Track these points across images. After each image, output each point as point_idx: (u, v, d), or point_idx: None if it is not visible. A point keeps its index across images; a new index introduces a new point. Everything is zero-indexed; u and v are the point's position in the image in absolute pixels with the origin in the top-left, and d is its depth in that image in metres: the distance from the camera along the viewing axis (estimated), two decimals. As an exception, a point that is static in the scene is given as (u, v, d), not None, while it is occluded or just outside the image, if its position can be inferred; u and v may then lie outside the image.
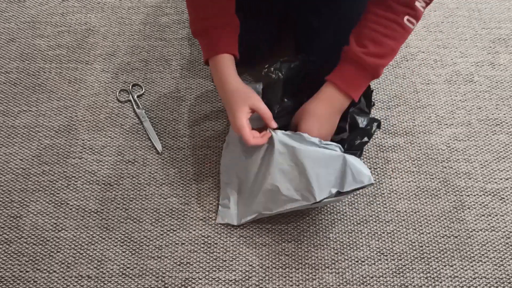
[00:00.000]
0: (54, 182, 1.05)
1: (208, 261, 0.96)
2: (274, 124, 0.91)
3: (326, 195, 0.86)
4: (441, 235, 0.99)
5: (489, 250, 0.97)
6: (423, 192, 1.03)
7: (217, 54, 0.92)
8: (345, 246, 0.97)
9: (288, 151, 0.90)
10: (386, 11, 0.87)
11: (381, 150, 1.09)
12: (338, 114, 0.94)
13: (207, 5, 0.91)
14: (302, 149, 0.89)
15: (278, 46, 1.21)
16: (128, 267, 0.95)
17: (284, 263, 0.96)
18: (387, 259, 0.96)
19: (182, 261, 0.96)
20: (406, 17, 0.87)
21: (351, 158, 0.88)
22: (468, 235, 0.99)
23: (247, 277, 0.94)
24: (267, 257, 0.96)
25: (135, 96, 1.15)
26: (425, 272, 0.95)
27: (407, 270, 0.95)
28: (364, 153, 1.08)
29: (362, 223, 1.00)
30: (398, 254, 0.97)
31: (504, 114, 1.13)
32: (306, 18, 1.08)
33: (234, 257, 0.96)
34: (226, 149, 1.04)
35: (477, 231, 0.99)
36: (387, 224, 1.00)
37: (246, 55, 1.04)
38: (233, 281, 0.94)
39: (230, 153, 1.02)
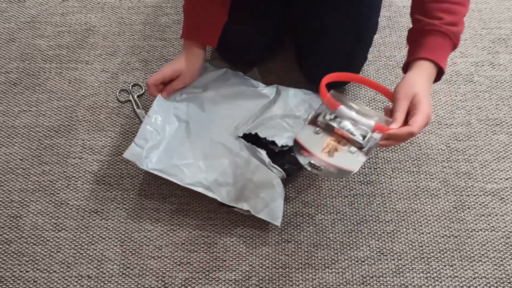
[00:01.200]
0: (54, 182, 1.05)
1: (208, 261, 0.96)
2: (164, 94, 1.03)
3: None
4: (441, 235, 0.99)
5: (489, 250, 0.97)
6: (423, 192, 1.03)
7: (194, 45, 1.01)
8: (345, 246, 0.97)
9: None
10: None
11: (381, 150, 1.09)
12: (430, 86, 0.88)
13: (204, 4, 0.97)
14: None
15: (278, 46, 1.21)
16: (128, 267, 0.95)
17: (284, 263, 0.96)
18: (387, 259, 0.96)
19: (182, 261, 0.96)
20: None
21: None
22: (468, 235, 0.99)
23: (247, 277, 0.94)
24: (267, 257, 0.96)
25: (135, 96, 1.15)
26: (425, 272, 0.95)
27: (407, 270, 0.95)
28: (364, 153, 1.08)
29: (362, 223, 1.00)
30: (398, 254, 0.97)
31: (504, 114, 1.13)
32: (306, 19, 1.08)
33: (234, 257, 0.96)
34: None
35: (477, 231, 0.99)
36: (387, 224, 1.00)
37: (244, 53, 1.04)
38: (233, 281, 0.94)
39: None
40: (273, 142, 0.98)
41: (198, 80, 1.07)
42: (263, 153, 0.97)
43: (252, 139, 1.00)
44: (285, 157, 0.99)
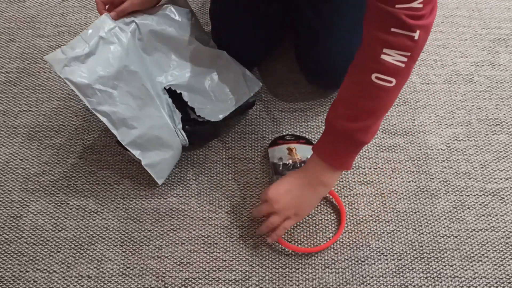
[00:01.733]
0: (54, 182, 1.05)
1: (208, 261, 0.96)
2: (112, 14, 0.93)
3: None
4: (441, 235, 0.99)
5: (489, 250, 0.97)
6: (423, 192, 1.03)
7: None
8: (345, 246, 0.97)
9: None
10: (355, 67, 0.79)
11: (381, 150, 1.09)
12: (314, 191, 0.89)
13: None
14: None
15: (278, 44, 1.21)
16: (128, 267, 0.95)
17: (284, 263, 0.96)
18: (387, 259, 0.96)
19: (182, 261, 0.96)
20: (374, 75, 0.74)
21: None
22: (468, 235, 0.99)
23: (247, 277, 0.94)
24: (267, 257, 0.96)
25: (135, 96, 1.15)
26: (425, 272, 0.95)
27: (407, 270, 0.95)
28: (364, 153, 1.08)
29: (362, 223, 1.00)
30: (398, 254, 0.97)
31: (504, 114, 1.13)
32: (306, 19, 1.08)
33: (234, 257, 0.96)
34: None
35: (477, 231, 0.99)
36: (387, 224, 1.00)
37: (244, 53, 1.04)
38: (233, 281, 0.94)
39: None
40: (193, 108, 1.01)
41: (156, 14, 1.00)
42: (178, 115, 0.99)
43: (176, 94, 1.01)
44: (196, 127, 1.02)
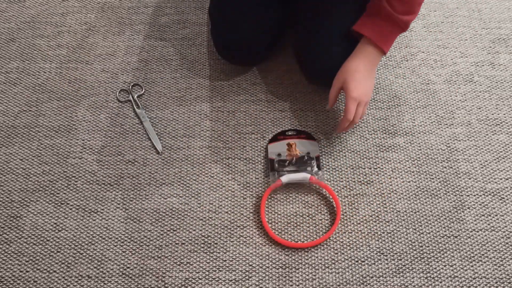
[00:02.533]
0: (54, 182, 1.05)
1: (208, 261, 0.96)
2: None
3: None
4: (441, 235, 0.99)
5: (489, 250, 0.97)
6: (423, 192, 1.03)
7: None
8: (345, 246, 0.97)
9: None
10: None
11: (381, 150, 1.09)
12: (375, 69, 1.01)
13: None
14: None
15: (277, 46, 1.21)
16: (128, 267, 0.95)
17: (284, 263, 0.96)
18: (387, 259, 0.96)
19: (182, 261, 0.96)
20: None
21: None
22: (468, 235, 0.99)
23: (247, 277, 0.94)
24: (267, 257, 0.96)
25: (135, 96, 1.15)
26: (425, 272, 0.95)
27: (407, 270, 0.95)
28: (364, 153, 1.08)
29: (362, 223, 1.00)
30: (398, 254, 0.97)
31: (504, 114, 1.13)
32: (305, 19, 1.08)
33: (234, 257, 0.96)
34: None
35: (477, 231, 0.99)
36: (387, 224, 1.00)
37: (244, 53, 1.04)
38: (233, 281, 0.94)
39: None
40: None
41: None
42: None
43: None
44: None
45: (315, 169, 1.04)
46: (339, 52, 1.04)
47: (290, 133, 1.09)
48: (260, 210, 1.00)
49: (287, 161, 1.04)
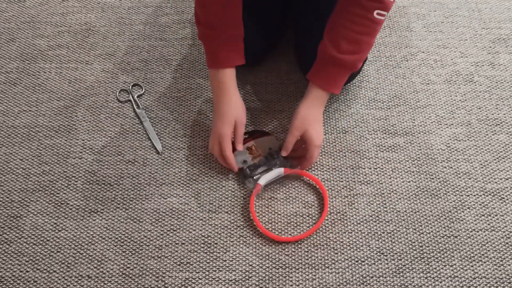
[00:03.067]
0: (54, 182, 1.05)
1: (208, 261, 0.96)
2: (239, 147, 1.01)
3: None
4: (441, 235, 0.99)
5: (489, 250, 0.97)
6: (423, 192, 1.03)
7: (220, 68, 0.98)
8: (345, 246, 0.97)
9: None
10: (357, 8, 0.91)
11: (381, 150, 1.09)
12: (321, 111, 1.03)
13: (217, 14, 0.94)
14: None
15: (277, 46, 1.21)
16: (128, 267, 0.95)
17: (284, 263, 0.96)
18: (387, 259, 0.96)
19: (182, 261, 0.96)
20: (376, 12, 0.90)
21: None
22: (468, 235, 0.99)
23: (247, 277, 0.94)
24: (267, 257, 0.96)
25: (135, 96, 1.15)
26: (425, 272, 0.95)
27: (407, 270, 0.95)
28: (364, 153, 1.08)
29: (362, 223, 1.00)
30: (398, 254, 0.97)
31: (504, 114, 1.13)
32: (305, 20, 1.08)
33: (234, 257, 0.96)
34: None
35: (477, 231, 0.99)
36: (387, 224, 1.00)
37: (249, 50, 1.03)
38: (233, 281, 0.94)
39: None
40: None
41: None
42: None
43: None
44: None
45: (283, 160, 1.03)
46: None
47: (245, 136, 1.06)
48: (252, 217, 0.99)
49: (256, 164, 1.03)
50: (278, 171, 1.02)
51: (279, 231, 0.99)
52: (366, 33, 0.93)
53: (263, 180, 1.01)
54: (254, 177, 1.02)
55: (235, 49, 0.98)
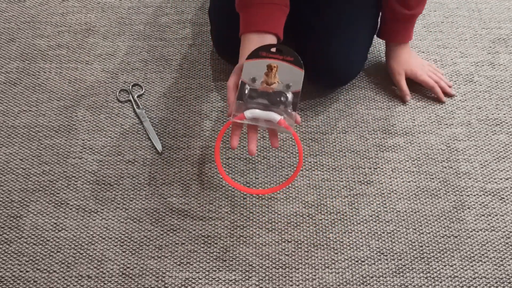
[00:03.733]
0: (54, 182, 1.05)
1: (208, 261, 0.96)
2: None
3: None
4: (441, 235, 0.99)
5: (489, 250, 0.97)
6: (423, 192, 1.03)
7: (259, 31, 0.87)
8: (345, 246, 0.97)
9: None
10: None
11: (381, 150, 1.09)
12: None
13: None
14: None
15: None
16: (128, 267, 0.95)
17: (284, 263, 0.96)
18: (387, 259, 0.96)
19: (182, 261, 0.96)
20: None
21: None
22: (468, 235, 0.99)
23: (247, 277, 0.94)
24: (267, 257, 0.96)
25: (135, 96, 1.15)
26: (425, 272, 0.95)
27: (407, 270, 0.95)
28: (364, 153, 1.08)
29: (362, 223, 1.00)
30: (398, 254, 0.97)
31: (504, 114, 1.13)
32: (305, 17, 1.08)
33: (234, 257, 0.96)
34: None
35: (477, 231, 0.99)
36: (387, 224, 1.00)
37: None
38: (233, 281, 0.94)
39: None
40: None
41: None
42: None
43: None
44: None
45: (290, 110, 0.84)
46: (339, 52, 1.04)
47: (274, 50, 0.85)
48: (215, 147, 0.88)
49: (259, 93, 0.84)
50: (273, 116, 0.82)
51: (279, 231, 0.99)
52: None
53: (251, 114, 0.82)
54: (247, 104, 0.83)
55: (276, 14, 0.88)
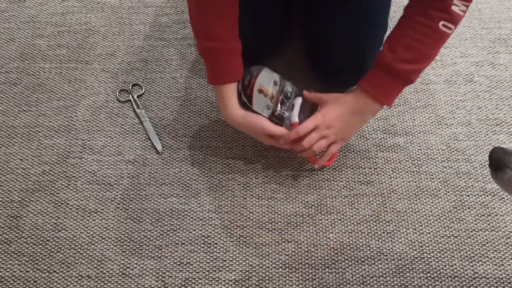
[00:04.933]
0: (54, 182, 1.05)
1: (208, 261, 0.96)
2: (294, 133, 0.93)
3: None
4: (441, 235, 0.99)
5: (489, 250, 0.97)
6: (423, 192, 1.03)
7: (223, 83, 0.94)
8: (345, 246, 0.97)
9: None
10: (421, 17, 0.87)
11: (381, 150, 1.09)
12: (367, 115, 0.95)
13: (214, 25, 0.90)
14: None
15: (279, 44, 1.21)
16: (128, 267, 0.95)
17: (284, 263, 0.96)
18: (387, 259, 0.96)
19: (182, 261, 0.96)
20: (441, 23, 0.86)
21: None
22: (468, 235, 0.99)
23: (247, 277, 0.94)
24: (267, 257, 0.96)
25: (135, 96, 1.15)
26: (425, 272, 0.95)
27: (407, 270, 0.95)
28: (364, 153, 1.08)
29: (362, 223, 1.00)
30: (398, 254, 0.97)
31: (504, 114, 1.13)
32: (313, 15, 1.08)
33: (234, 257, 0.96)
34: None
35: (477, 231, 0.99)
36: (387, 224, 1.00)
37: (252, 47, 1.03)
38: (233, 281, 0.94)
39: None
40: None
41: None
42: None
43: None
44: None
45: (296, 90, 1.01)
46: (347, 49, 1.03)
47: (246, 82, 1.00)
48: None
49: (281, 105, 0.99)
50: (299, 102, 0.99)
51: (279, 231, 0.99)
52: (427, 44, 0.88)
53: (295, 116, 0.97)
54: (290, 118, 0.98)
55: (235, 61, 0.95)
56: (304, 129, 0.93)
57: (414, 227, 0.99)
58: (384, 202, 1.02)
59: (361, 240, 0.98)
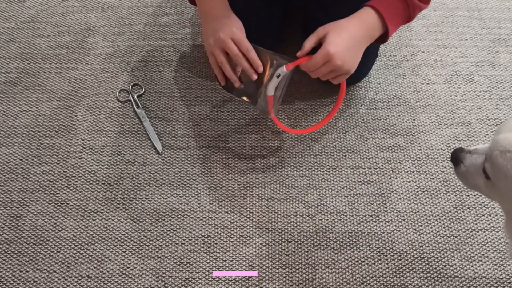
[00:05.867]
0: (54, 182, 1.05)
1: (208, 261, 0.96)
2: (260, 69, 0.92)
3: None
4: (441, 235, 0.99)
5: (489, 250, 0.97)
6: (423, 192, 1.03)
7: None
8: (345, 246, 0.97)
9: None
10: None
11: (381, 150, 1.09)
12: (368, 41, 0.92)
13: None
14: None
15: (287, 30, 1.20)
16: (128, 267, 0.95)
17: (284, 263, 0.96)
18: (387, 259, 0.96)
19: (182, 261, 0.96)
20: None
21: None
22: (468, 235, 0.99)
23: (247, 277, 0.94)
24: (267, 257, 0.96)
25: (135, 96, 1.15)
26: (425, 272, 0.95)
27: (407, 270, 0.95)
28: (364, 153, 1.08)
29: (362, 223, 1.00)
30: (398, 254, 0.97)
31: (504, 114, 1.13)
32: (312, 13, 1.08)
33: (234, 257, 0.96)
34: None
35: (477, 231, 0.99)
36: (387, 224, 1.00)
37: (255, 38, 1.04)
38: (233, 281, 0.94)
39: None
40: None
41: None
42: None
43: None
44: None
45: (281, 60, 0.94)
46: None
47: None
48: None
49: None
50: (279, 71, 0.92)
51: (279, 231, 0.99)
52: None
53: (271, 89, 0.93)
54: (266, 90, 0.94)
55: None
56: (315, 65, 0.90)
57: (414, 227, 0.99)
58: (384, 202, 1.02)
59: (361, 240, 0.98)
